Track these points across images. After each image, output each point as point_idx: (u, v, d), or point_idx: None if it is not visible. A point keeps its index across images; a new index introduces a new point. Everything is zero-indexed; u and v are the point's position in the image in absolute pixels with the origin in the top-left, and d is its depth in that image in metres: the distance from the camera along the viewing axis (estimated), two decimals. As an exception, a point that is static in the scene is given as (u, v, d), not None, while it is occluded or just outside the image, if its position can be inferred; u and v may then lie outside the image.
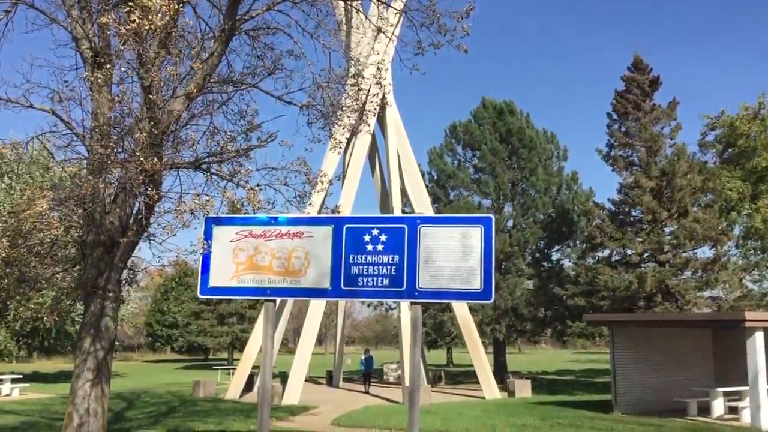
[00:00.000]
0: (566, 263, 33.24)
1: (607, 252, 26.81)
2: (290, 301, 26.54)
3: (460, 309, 25.80)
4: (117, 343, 77.58)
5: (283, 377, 26.29)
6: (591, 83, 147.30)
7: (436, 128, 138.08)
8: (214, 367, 38.89)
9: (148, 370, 52.75)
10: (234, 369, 28.30)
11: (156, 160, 9.19)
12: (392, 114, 27.85)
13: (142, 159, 9.02)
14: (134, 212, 11.64)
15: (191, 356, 68.67)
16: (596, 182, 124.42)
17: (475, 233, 10.61)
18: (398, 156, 27.47)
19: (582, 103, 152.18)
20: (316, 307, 24.07)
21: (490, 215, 10.84)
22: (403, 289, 10.61)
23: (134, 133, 9.65)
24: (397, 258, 10.70)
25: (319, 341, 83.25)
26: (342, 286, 10.73)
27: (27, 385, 27.78)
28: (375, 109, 12.96)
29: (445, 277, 10.53)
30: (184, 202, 9.80)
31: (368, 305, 40.83)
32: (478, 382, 26.82)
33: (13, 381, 26.98)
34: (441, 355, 59.49)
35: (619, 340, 18.64)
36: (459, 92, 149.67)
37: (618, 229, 25.84)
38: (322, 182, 12.88)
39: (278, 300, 25.84)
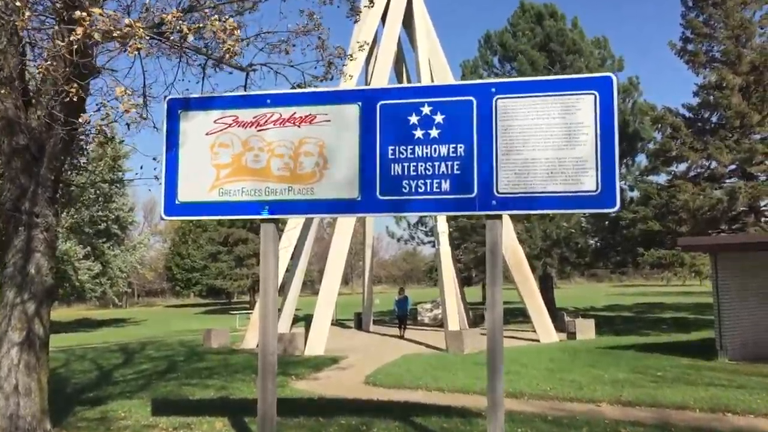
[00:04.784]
0: (624, 184, 29.00)
1: (683, 166, 22.61)
2: (314, 224, 22.82)
3: (507, 238, 22.01)
4: (137, 286, 75.56)
5: (308, 320, 22.90)
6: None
7: (468, 42, 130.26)
8: (231, 312, 35.90)
9: (169, 316, 50.39)
10: (252, 313, 25.10)
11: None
12: (421, 13, 23.65)
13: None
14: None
15: (214, 300, 66.34)
16: (657, 97, 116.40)
17: (586, 104, 6.72)
18: (429, 65, 23.36)
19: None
20: (343, 231, 20.39)
21: (609, 74, 6.87)
22: (472, 195, 6.80)
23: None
24: (462, 148, 6.87)
25: (345, 281, 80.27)
26: (378, 195, 6.95)
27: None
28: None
29: (538, 175, 6.69)
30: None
31: (398, 240, 37.17)
32: (526, 322, 23.40)
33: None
34: (475, 292, 56.16)
35: (725, 270, 14.74)
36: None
37: (698, 138, 21.56)
38: (344, 55, 9.11)
39: (289, 220, 22.24)
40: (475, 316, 28.33)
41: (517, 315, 28.83)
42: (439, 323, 25.61)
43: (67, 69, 6.13)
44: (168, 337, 26.78)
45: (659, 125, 22.63)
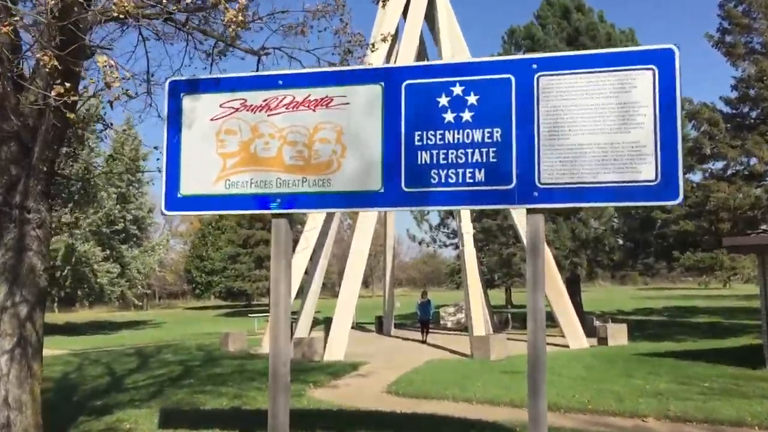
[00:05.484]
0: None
1: (720, 164, 21.50)
2: (334, 223, 22.07)
3: (535, 240, 21.07)
4: (158, 288, 75.30)
5: (327, 324, 22.16)
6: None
7: (475, 38, 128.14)
8: (250, 315, 35.26)
9: (188, 318, 49.92)
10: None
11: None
12: (444, 6, 22.84)
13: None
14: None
15: (234, 302, 65.81)
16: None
17: (643, 81, 5.85)
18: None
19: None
20: (363, 231, 19.55)
21: (671, 46, 6.00)
22: (511, 186, 5.97)
23: None
24: (499, 133, 6.03)
25: (365, 283, 79.23)
26: (403, 187, 6.14)
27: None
28: None
29: (587, 163, 5.84)
30: None
31: (419, 242, 36.27)
32: (553, 326, 22.40)
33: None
34: (498, 295, 55.08)
35: (774, 272, 13.74)
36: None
37: (736, 135, 20.48)
38: (363, 43, 8.34)
39: (308, 221, 21.44)
40: (500, 319, 27.43)
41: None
42: (463, 327, 24.77)
43: (51, 37, 5.39)
44: (186, 340, 26.20)
45: (695, 121, 21.58)
